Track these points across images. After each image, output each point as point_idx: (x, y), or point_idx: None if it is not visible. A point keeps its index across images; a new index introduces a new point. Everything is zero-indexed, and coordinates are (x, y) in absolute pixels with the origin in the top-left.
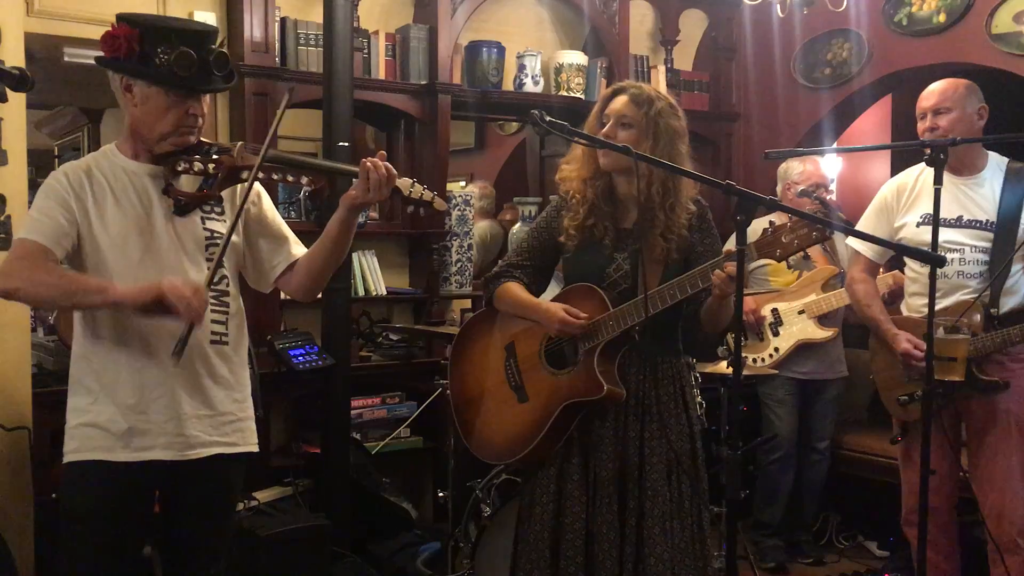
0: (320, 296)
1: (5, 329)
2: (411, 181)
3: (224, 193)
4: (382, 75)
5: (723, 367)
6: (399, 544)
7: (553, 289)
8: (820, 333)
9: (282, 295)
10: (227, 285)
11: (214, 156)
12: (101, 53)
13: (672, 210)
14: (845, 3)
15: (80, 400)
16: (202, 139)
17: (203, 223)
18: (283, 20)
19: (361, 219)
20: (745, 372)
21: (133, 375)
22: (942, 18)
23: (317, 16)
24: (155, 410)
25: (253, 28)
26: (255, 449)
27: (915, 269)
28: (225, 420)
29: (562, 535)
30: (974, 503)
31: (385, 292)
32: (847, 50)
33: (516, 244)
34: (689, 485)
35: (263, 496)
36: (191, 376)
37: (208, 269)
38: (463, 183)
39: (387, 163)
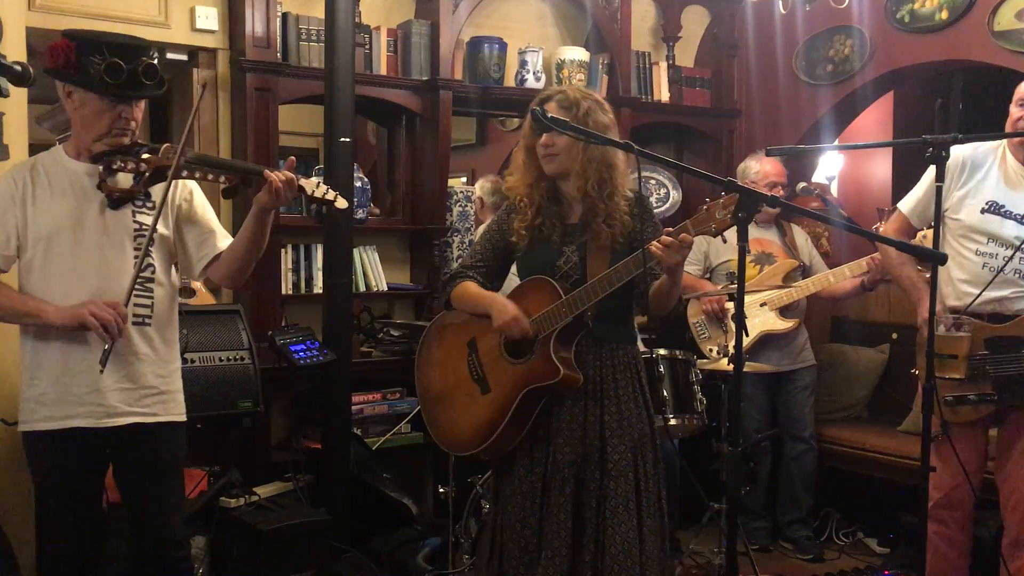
0: (321, 291)
1: (5, 324)
2: (316, 182)
3: (157, 189)
4: (383, 71)
5: (723, 364)
6: (400, 539)
7: (512, 283)
8: (782, 324)
9: (283, 291)
10: (152, 272)
11: (142, 156)
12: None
13: (611, 199)
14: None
15: (23, 375)
16: (137, 141)
17: (133, 216)
18: (284, 15)
19: (361, 214)
20: (715, 367)
21: (59, 351)
22: (944, 15)
23: (319, 11)
24: (78, 383)
25: (255, 23)
26: (179, 419)
27: (963, 254)
28: (146, 393)
29: (528, 521)
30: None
31: (386, 288)
32: (849, 47)
33: (471, 248)
34: (652, 465)
35: (264, 491)
36: (114, 353)
37: (135, 258)
38: (464, 179)
39: (288, 172)
